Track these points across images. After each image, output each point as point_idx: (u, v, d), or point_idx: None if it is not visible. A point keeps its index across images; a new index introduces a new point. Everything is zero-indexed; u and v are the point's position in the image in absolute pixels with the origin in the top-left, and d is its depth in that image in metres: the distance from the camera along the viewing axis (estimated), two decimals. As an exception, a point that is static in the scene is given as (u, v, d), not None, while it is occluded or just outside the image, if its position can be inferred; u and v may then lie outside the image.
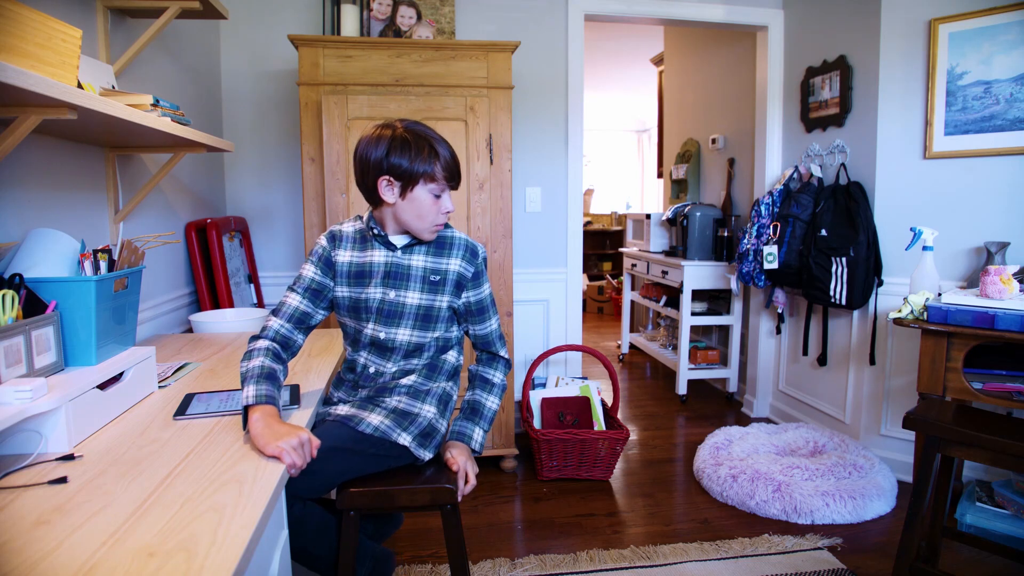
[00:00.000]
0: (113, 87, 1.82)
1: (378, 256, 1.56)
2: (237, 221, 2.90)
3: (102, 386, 1.27)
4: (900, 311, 2.32)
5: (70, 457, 1.09)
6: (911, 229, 2.52)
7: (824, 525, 2.45)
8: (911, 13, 2.76)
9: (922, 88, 2.75)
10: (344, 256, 1.57)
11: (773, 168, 3.59)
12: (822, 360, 3.21)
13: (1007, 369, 2.20)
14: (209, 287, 2.57)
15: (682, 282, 3.93)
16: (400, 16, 2.98)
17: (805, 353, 3.34)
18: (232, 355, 1.85)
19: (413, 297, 1.55)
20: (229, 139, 3.00)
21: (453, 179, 1.52)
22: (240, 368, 1.40)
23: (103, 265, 1.37)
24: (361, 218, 1.62)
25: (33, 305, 1.23)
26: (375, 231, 1.55)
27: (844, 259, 2.86)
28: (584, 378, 3.25)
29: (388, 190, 1.49)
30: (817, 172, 3.19)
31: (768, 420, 3.65)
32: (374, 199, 1.53)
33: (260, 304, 2.98)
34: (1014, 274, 2.20)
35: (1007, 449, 1.63)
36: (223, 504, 0.92)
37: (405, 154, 1.46)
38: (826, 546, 2.29)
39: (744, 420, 3.65)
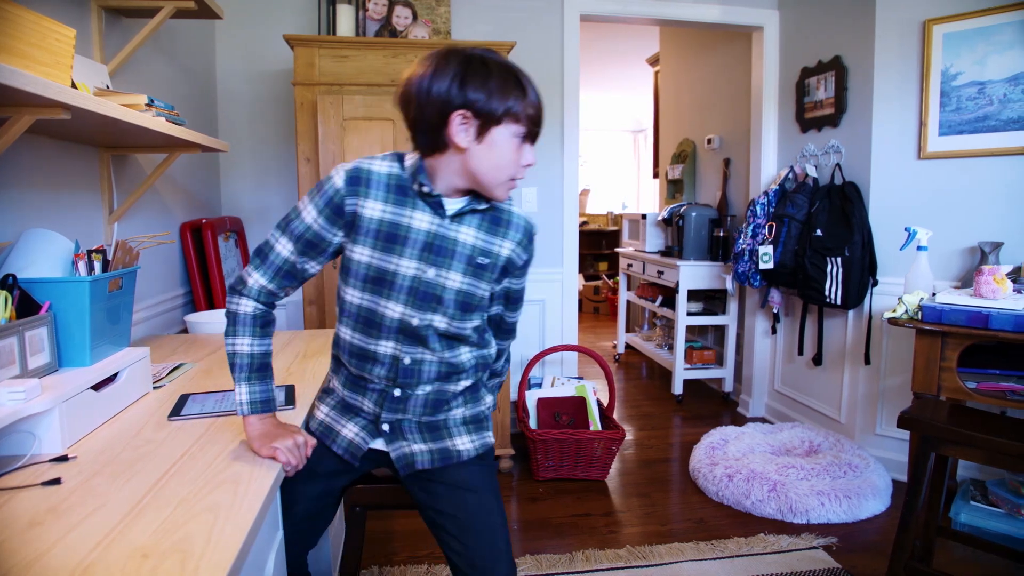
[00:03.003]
0: (107, 87, 1.82)
1: (420, 220, 1.21)
2: (232, 221, 2.89)
3: (96, 387, 1.26)
4: (895, 311, 2.32)
5: (64, 458, 1.08)
6: (906, 229, 2.53)
7: (819, 524, 2.45)
8: (905, 14, 2.77)
9: (916, 89, 2.76)
10: (373, 208, 1.19)
11: (769, 168, 3.60)
12: (817, 360, 3.22)
13: (1001, 368, 2.21)
14: (204, 287, 2.57)
15: (678, 282, 3.93)
16: (396, 16, 2.98)
17: (800, 353, 3.35)
18: (227, 356, 1.85)
19: (455, 280, 1.23)
20: (224, 139, 2.99)
21: (538, 126, 1.20)
22: (226, 345, 1.23)
23: (97, 265, 1.37)
24: (401, 161, 1.24)
25: (27, 306, 1.22)
26: (424, 187, 1.20)
27: (839, 259, 2.87)
28: (580, 378, 3.25)
29: (463, 129, 1.14)
30: (812, 172, 3.19)
31: (764, 420, 3.66)
32: (436, 143, 1.16)
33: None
34: (1008, 274, 2.21)
35: (1001, 448, 1.64)
36: (218, 505, 0.91)
37: (486, 85, 1.12)
38: (821, 545, 2.30)
39: (740, 420, 3.66)
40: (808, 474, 2.62)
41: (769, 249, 3.16)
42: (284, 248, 1.23)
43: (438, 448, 1.31)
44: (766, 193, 3.30)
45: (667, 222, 4.34)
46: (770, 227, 3.20)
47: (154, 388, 1.52)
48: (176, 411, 1.34)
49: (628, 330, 5.42)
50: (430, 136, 1.16)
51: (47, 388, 1.14)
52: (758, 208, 3.29)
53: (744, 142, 3.86)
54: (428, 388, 1.28)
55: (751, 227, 3.31)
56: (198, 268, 2.55)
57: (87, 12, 1.87)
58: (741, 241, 3.37)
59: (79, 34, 1.76)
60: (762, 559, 2.22)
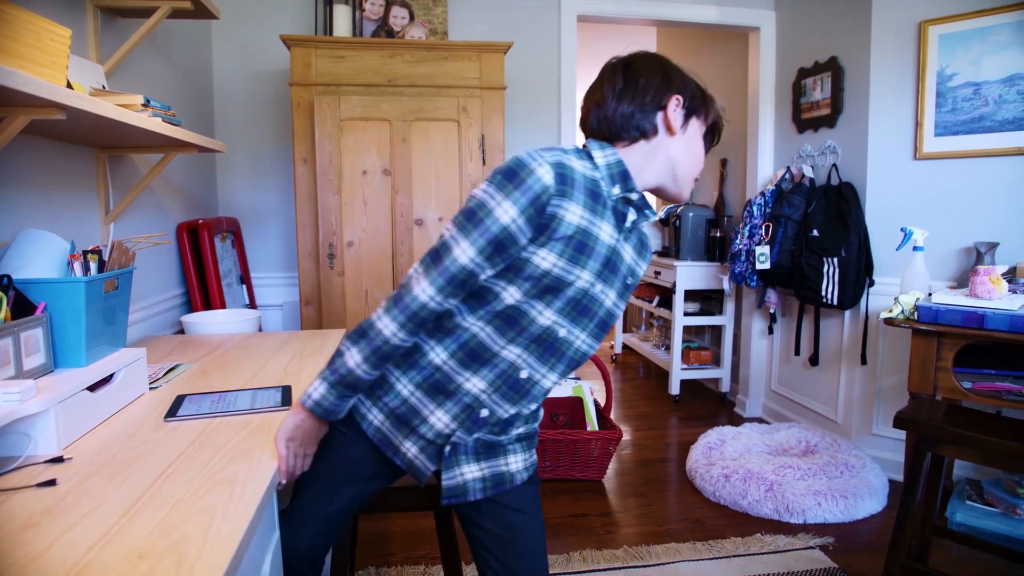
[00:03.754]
0: (103, 87, 1.81)
1: (604, 231, 1.09)
2: (229, 222, 2.89)
3: (92, 388, 1.26)
4: (891, 311, 2.33)
5: (59, 459, 1.08)
6: (902, 229, 2.54)
7: (816, 524, 2.46)
8: (901, 15, 2.77)
9: (912, 89, 2.77)
10: (573, 213, 1.05)
11: (765, 169, 3.60)
12: (814, 360, 3.23)
13: (996, 368, 2.22)
14: (201, 288, 2.56)
15: (675, 282, 3.94)
16: (393, 16, 2.98)
17: (797, 353, 3.35)
18: (224, 356, 1.85)
19: (610, 298, 1.14)
20: (221, 139, 2.99)
21: (719, 131, 1.20)
22: (343, 341, 1.12)
23: (93, 266, 1.37)
24: (591, 158, 1.12)
25: (22, 306, 1.22)
26: (632, 193, 1.12)
27: (836, 259, 2.88)
28: (577, 378, 3.25)
29: (677, 114, 1.11)
30: (809, 173, 3.20)
31: (760, 420, 3.66)
32: (644, 127, 1.11)
33: (252, 305, 2.97)
34: (1003, 274, 2.22)
35: (997, 448, 1.65)
36: (214, 506, 0.91)
37: (690, 80, 1.15)
38: (818, 545, 2.30)
39: (737, 420, 3.66)
40: (805, 474, 2.63)
41: (766, 249, 3.17)
42: (465, 252, 1.04)
43: (491, 474, 1.21)
44: (763, 193, 3.30)
45: (664, 222, 4.34)
46: (767, 227, 3.21)
47: (150, 389, 1.52)
48: (172, 412, 1.34)
49: (625, 330, 5.43)
50: (639, 120, 1.10)
51: (42, 389, 1.14)
52: (755, 208, 3.29)
53: (741, 142, 3.87)
54: (518, 409, 1.17)
55: (748, 227, 3.32)
56: (194, 269, 2.54)
57: (83, 12, 1.87)
58: (738, 241, 3.37)
59: (75, 34, 1.76)
60: (759, 559, 2.22)
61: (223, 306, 2.56)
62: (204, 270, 2.56)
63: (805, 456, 2.85)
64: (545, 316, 1.09)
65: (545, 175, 1.02)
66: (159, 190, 2.40)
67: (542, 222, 1.03)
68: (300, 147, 2.60)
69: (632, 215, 1.14)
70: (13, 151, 1.53)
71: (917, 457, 1.79)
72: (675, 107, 1.11)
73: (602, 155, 1.11)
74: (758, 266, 3.20)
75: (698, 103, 1.14)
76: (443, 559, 1.54)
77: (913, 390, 2.26)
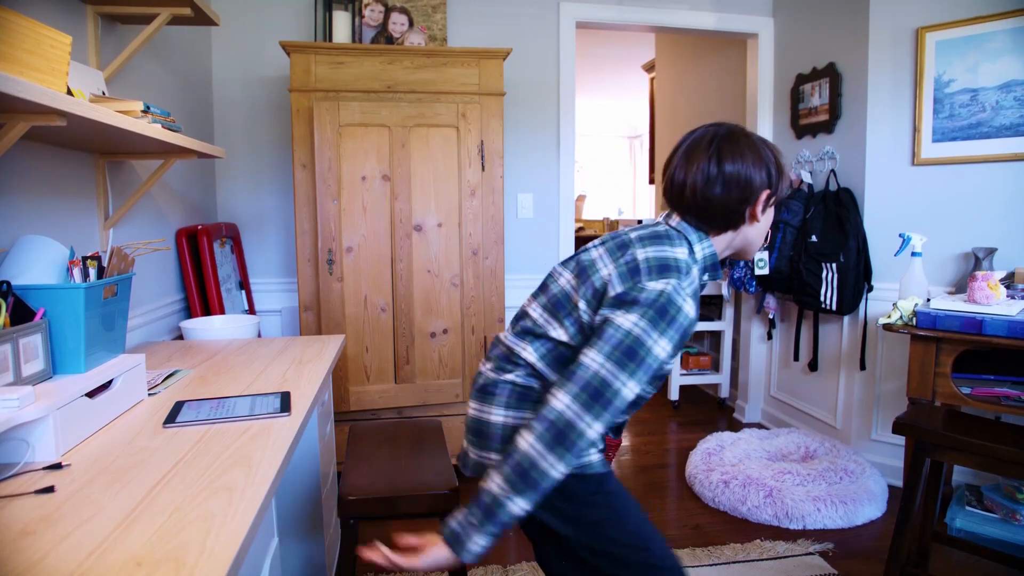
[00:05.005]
0: (103, 93, 1.82)
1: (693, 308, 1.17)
2: (228, 227, 2.89)
3: (91, 394, 1.26)
4: (890, 316, 2.33)
5: (58, 466, 1.08)
6: (900, 235, 2.54)
7: (815, 530, 2.45)
8: (898, 21, 2.79)
9: (910, 95, 2.78)
10: (692, 310, 1.15)
11: (763, 174, 3.61)
12: (813, 365, 3.23)
13: (995, 374, 2.22)
14: (200, 294, 2.56)
15: (674, 288, 3.93)
16: (392, 23, 2.99)
17: (796, 358, 3.35)
18: (223, 362, 1.85)
19: None
20: (220, 145, 2.99)
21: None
22: (521, 500, 1.05)
23: (92, 272, 1.37)
24: (692, 251, 1.21)
25: (21, 312, 1.22)
26: (721, 280, 1.15)
27: (834, 265, 2.88)
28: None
29: (763, 206, 1.22)
30: (807, 178, 3.21)
31: (760, 425, 3.66)
32: (733, 220, 1.21)
33: (251, 311, 2.97)
34: (1001, 280, 2.22)
35: (996, 454, 1.65)
36: (212, 513, 0.91)
37: (781, 170, 1.23)
38: (817, 551, 2.30)
39: (736, 425, 3.66)
40: (804, 480, 2.62)
41: (764, 255, 3.17)
42: (632, 391, 1.07)
43: None
44: (761, 199, 3.31)
45: (663, 228, 4.34)
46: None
47: (149, 395, 1.52)
48: (171, 418, 1.34)
49: (624, 336, 5.41)
50: (729, 214, 1.20)
51: (41, 395, 1.13)
52: (753, 214, 3.29)
53: (739, 148, 3.87)
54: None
55: (746, 233, 3.32)
56: (194, 274, 2.54)
57: (83, 18, 1.87)
58: (736, 247, 3.37)
59: (75, 40, 1.77)
60: (758, 565, 2.22)
61: (222, 312, 2.56)
62: (203, 276, 2.56)
63: (804, 462, 2.85)
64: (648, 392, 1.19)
65: (690, 310, 1.12)
66: (158, 196, 2.40)
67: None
68: (299, 153, 2.61)
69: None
70: (13, 157, 1.53)
71: (916, 463, 1.79)
72: (764, 200, 1.21)
73: (700, 248, 1.22)
74: (757, 272, 3.20)
75: (777, 188, 1.23)
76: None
77: (912, 395, 2.26)
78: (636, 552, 1.20)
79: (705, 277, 1.22)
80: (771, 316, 3.53)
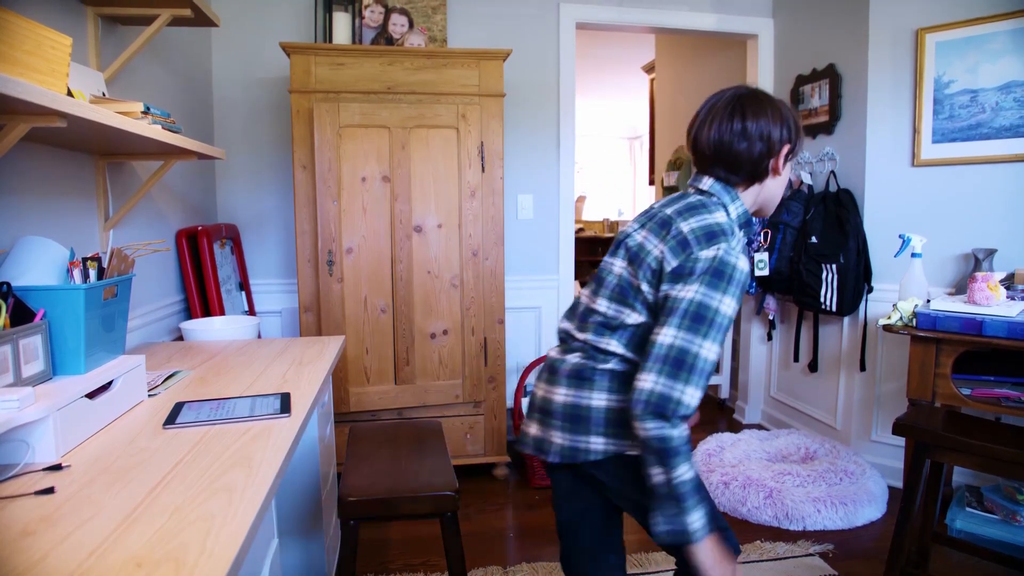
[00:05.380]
0: (104, 94, 1.82)
1: None
2: (228, 228, 2.89)
3: (91, 395, 1.26)
4: (889, 317, 2.33)
5: (58, 467, 1.08)
6: (900, 236, 2.54)
7: (815, 531, 2.45)
8: (898, 22, 2.79)
9: (910, 96, 2.78)
10: (745, 265, 1.24)
11: (763, 175, 3.61)
12: (813, 366, 3.23)
13: (995, 375, 2.22)
14: (200, 295, 2.56)
15: (674, 289, 3.94)
16: (392, 24, 2.99)
17: (796, 359, 3.35)
18: (223, 363, 1.85)
19: None
20: (220, 146, 3.00)
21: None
22: (670, 475, 1.12)
23: (92, 273, 1.37)
24: (721, 205, 1.29)
25: (21, 314, 1.22)
26: (753, 238, 1.27)
27: (834, 266, 2.88)
28: (576, 385, 3.25)
29: (784, 159, 1.30)
30: (807, 179, 3.21)
31: (760, 426, 3.66)
32: (758, 173, 1.29)
33: (251, 312, 2.97)
34: (1001, 280, 2.22)
35: (996, 454, 1.65)
36: (212, 513, 0.91)
37: (799, 126, 1.32)
38: (817, 552, 2.30)
39: (736, 426, 3.66)
40: (804, 481, 2.62)
41: (764, 256, 3.17)
42: (713, 352, 1.13)
43: None
44: (761, 200, 3.31)
45: (663, 229, 4.34)
46: (765, 234, 3.21)
47: (149, 396, 1.52)
48: (171, 419, 1.34)
49: (624, 336, 5.42)
50: (754, 166, 1.28)
51: (41, 396, 1.14)
52: (753, 215, 3.30)
53: (739, 149, 3.88)
54: None
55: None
56: (194, 275, 2.55)
57: (84, 20, 1.88)
58: (736, 248, 3.37)
59: (75, 41, 1.77)
60: (758, 566, 2.22)
61: (222, 313, 2.56)
62: (203, 277, 2.57)
63: (804, 463, 2.85)
64: None
65: (745, 265, 1.19)
66: (158, 197, 2.40)
67: None
68: (299, 154, 2.61)
69: None
70: (13, 158, 1.53)
71: (916, 464, 1.79)
72: (784, 154, 1.29)
73: (733, 208, 1.30)
74: (757, 273, 3.20)
75: (796, 144, 1.30)
76: (449, 566, 1.54)
77: (912, 396, 2.26)
78: None
79: (740, 233, 1.28)
80: (771, 317, 3.53)
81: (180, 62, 2.62)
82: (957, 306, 2.19)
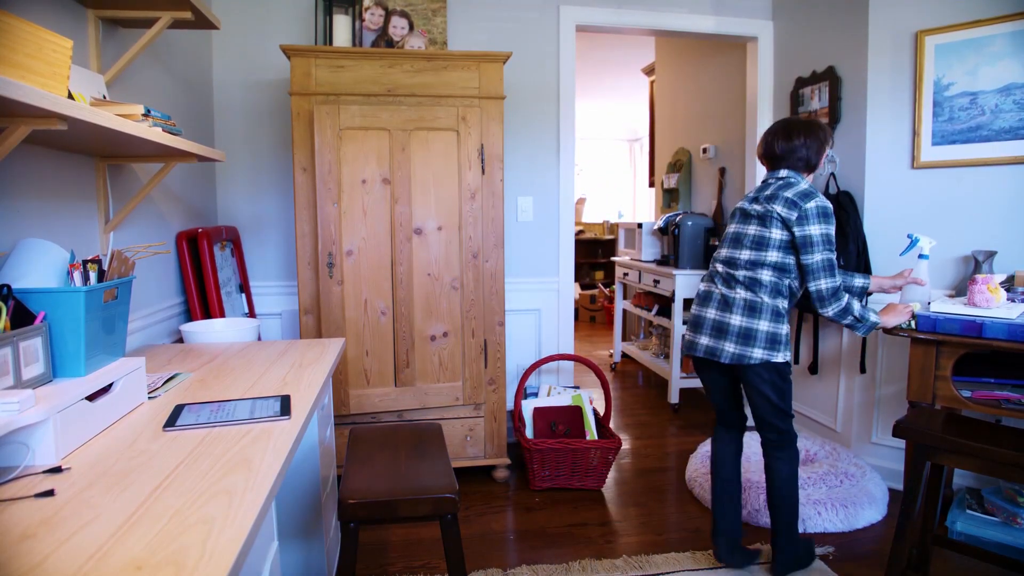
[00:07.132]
0: (104, 97, 1.82)
1: None
2: (228, 230, 2.89)
3: (91, 397, 1.26)
4: (889, 320, 2.33)
5: (57, 469, 1.08)
6: (908, 236, 2.53)
7: (816, 534, 2.45)
8: (898, 25, 2.79)
9: (909, 99, 2.78)
10: (831, 204, 2.08)
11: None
12: (813, 368, 3.23)
13: (995, 377, 2.22)
14: (200, 297, 2.56)
15: (674, 291, 3.94)
16: (392, 26, 2.99)
17: (796, 361, 3.35)
18: (223, 365, 1.85)
19: None
20: (221, 148, 3.00)
21: None
22: (851, 314, 2.01)
23: (92, 276, 1.37)
24: (802, 178, 2.10)
25: (21, 316, 1.22)
26: None
27: (834, 268, 2.88)
28: (576, 387, 3.25)
29: (824, 158, 2.15)
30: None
31: (760, 428, 3.65)
32: (814, 165, 2.11)
33: (251, 314, 2.97)
34: (1001, 283, 2.22)
35: (996, 457, 1.64)
36: (212, 516, 0.91)
37: (828, 131, 2.15)
38: (818, 555, 2.30)
39: (736, 428, 3.65)
40: (804, 483, 2.62)
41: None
42: (835, 257, 2.02)
43: None
44: (761, 202, 3.31)
45: (663, 231, 4.35)
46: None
47: (149, 398, 1.52)
48: (171, 421, 1.34)
49: (624, 339, 5.43)
50: (810, 160, 2.10)
51: (41, 399, 1.14)
52: (753, 217, 3.30)
53: (739, 151, 3.88)
54: None
55: (746, 236, 3.32)
56: (194, 277, 2.55)
57: (84, 22, 1.88)
58: (736, 250, 3.38)
59: (76, 44, 1.77)
60: (759, 568, 2.21)
61: (222, 315, 2.56)
62: (203, 279, 2.57)
63: (805, 465, 2.85)
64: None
65: (831, 205, 2.04)
66: (159, 199, 2.41)
67: None
68: (299, 156, 2.61)
69: None
70: (14, 161, 1.53)
71: (917, 466, 1.79)
72: (824, 153, 2.12)
73: (806, 184, 2.07)
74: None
75: (828, 146, 2.15)
76: (449, 568, 1.53)
77: (912, 399, 2.26)
78: (785, 410, 2.15)
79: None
80: (771, 319, 3.52)
81: (180, 65, 2.62)
82: (957, 308, 2.19)
